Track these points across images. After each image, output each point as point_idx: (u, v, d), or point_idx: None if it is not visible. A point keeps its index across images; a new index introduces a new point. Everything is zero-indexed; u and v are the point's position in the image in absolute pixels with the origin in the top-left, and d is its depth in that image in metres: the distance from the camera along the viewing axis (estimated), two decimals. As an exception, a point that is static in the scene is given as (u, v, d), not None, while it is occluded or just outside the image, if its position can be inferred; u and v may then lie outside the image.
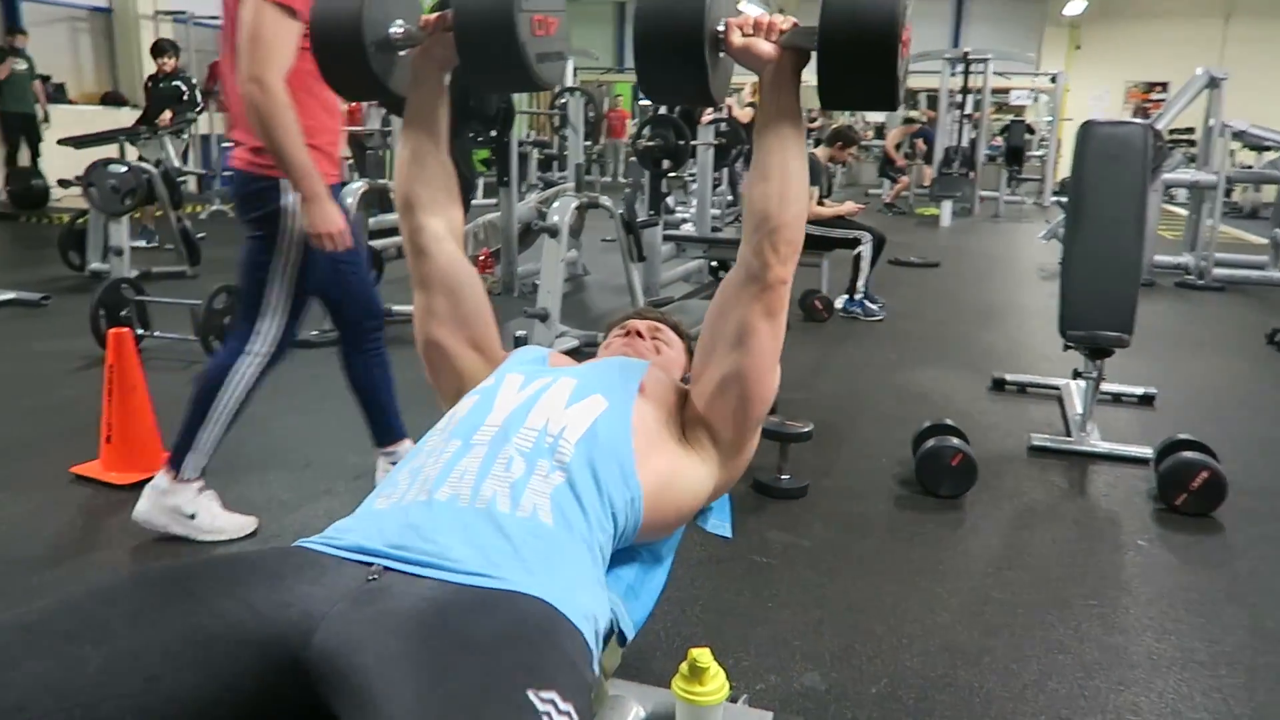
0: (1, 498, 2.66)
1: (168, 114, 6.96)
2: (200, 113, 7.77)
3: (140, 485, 2.72)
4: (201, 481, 2.45)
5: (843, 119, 15.77)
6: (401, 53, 1.44)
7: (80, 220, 6.13)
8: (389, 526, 1.14)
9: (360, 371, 2.64)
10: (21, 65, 9.07)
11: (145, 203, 5.65)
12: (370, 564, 1.07)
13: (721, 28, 1.28)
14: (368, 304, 2.64)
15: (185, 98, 7.30)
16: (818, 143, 11.56)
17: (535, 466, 1.20)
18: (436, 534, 1.10)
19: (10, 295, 5.19)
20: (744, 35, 1.27)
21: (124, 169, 5.44)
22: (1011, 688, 1.91)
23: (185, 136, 7.58)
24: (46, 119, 9.48)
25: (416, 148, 1.47)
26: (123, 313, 4.15)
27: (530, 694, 0.88)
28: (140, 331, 4.18)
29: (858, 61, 1.19)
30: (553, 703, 0.89)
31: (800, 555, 2.47)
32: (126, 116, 10.63)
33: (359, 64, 1.39)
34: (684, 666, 1.55)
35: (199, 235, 6.36)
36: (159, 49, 7.66)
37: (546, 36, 1.39)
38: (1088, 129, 3.29)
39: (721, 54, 1.30)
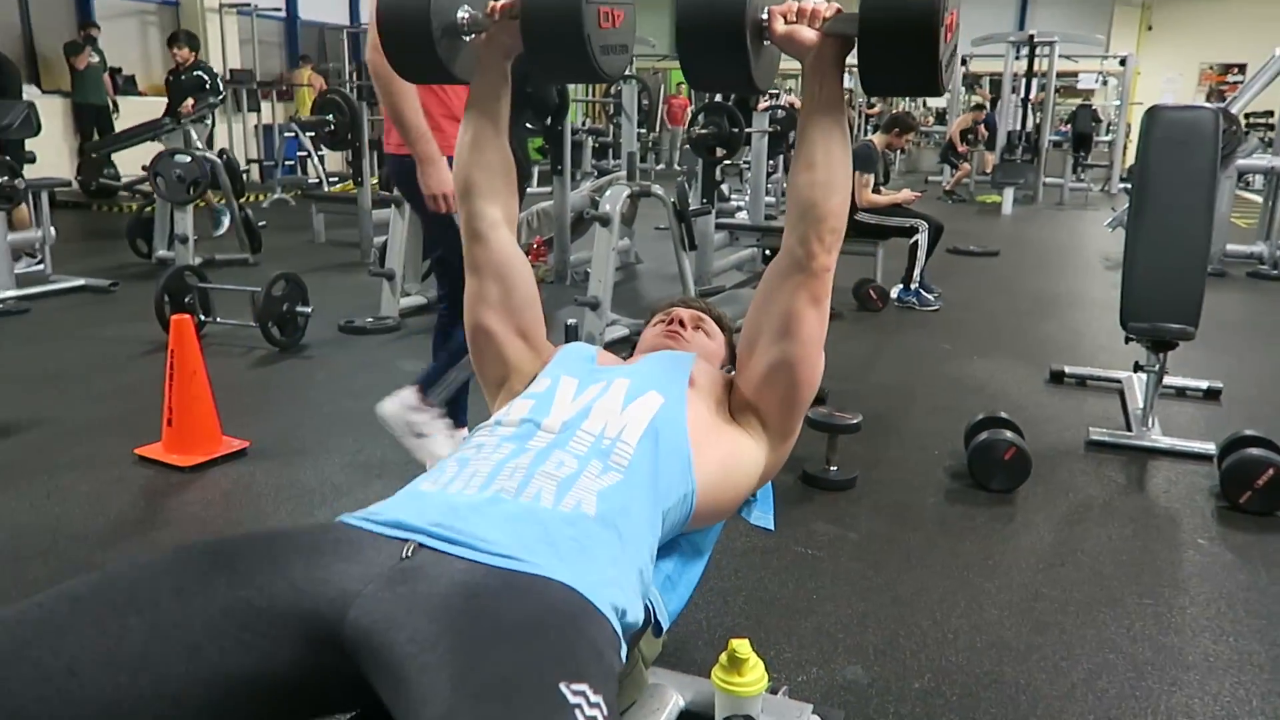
0: (70, 476, 2.76)
1: (189, 102, 6.93)
2: (222, 101, 7.69)
3: (198, 468, 2.81)
4: (441, 410, 2.62)
5: (902, 105, 15.53)
6: (467, 38, 1.45)
7: (147, 209, 6.32)
8: (429, 507, 1.16)
9: (460, 345, 2.73)
10: (95, 58, 9.34)
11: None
12: (406, 540, 1.09)
13: (764, 15, 1.27)
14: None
15: (208, 86, 7.27)
16: (875, 129, 11.41)
17: (587, 467, 1.21)
18: (474, 517, 1.12)
19: (81, 282, 5.37)
20: (787, 23, 1.27)
21: (188, 159, 5.59)
22: (1060, 686, 1.87)
23: (209, 123, 7.53)
24: (116, 109, 9.76)
25: (477, 134, 1.48)
26: (186, 299, 4.26)
27: (562, 686, 0.89)
28: (202, 318, 4.29)
29: (898, 47, 1.18)
30: (584, 695, 0.90)
31: (847, 547, 2.44)
32: (193, 107, 10.92)
33: (425, 48, 1.40)
34: (723, 657, 1.55)
35: (260, 224, 6.49)
36: (174, 40, 7.66)
37: (613, 29, 1.39)
38: (1154, 114, 3.19)
39: (766, 42, 1.29)
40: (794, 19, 1.27)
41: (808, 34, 1.26)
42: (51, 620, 0.93)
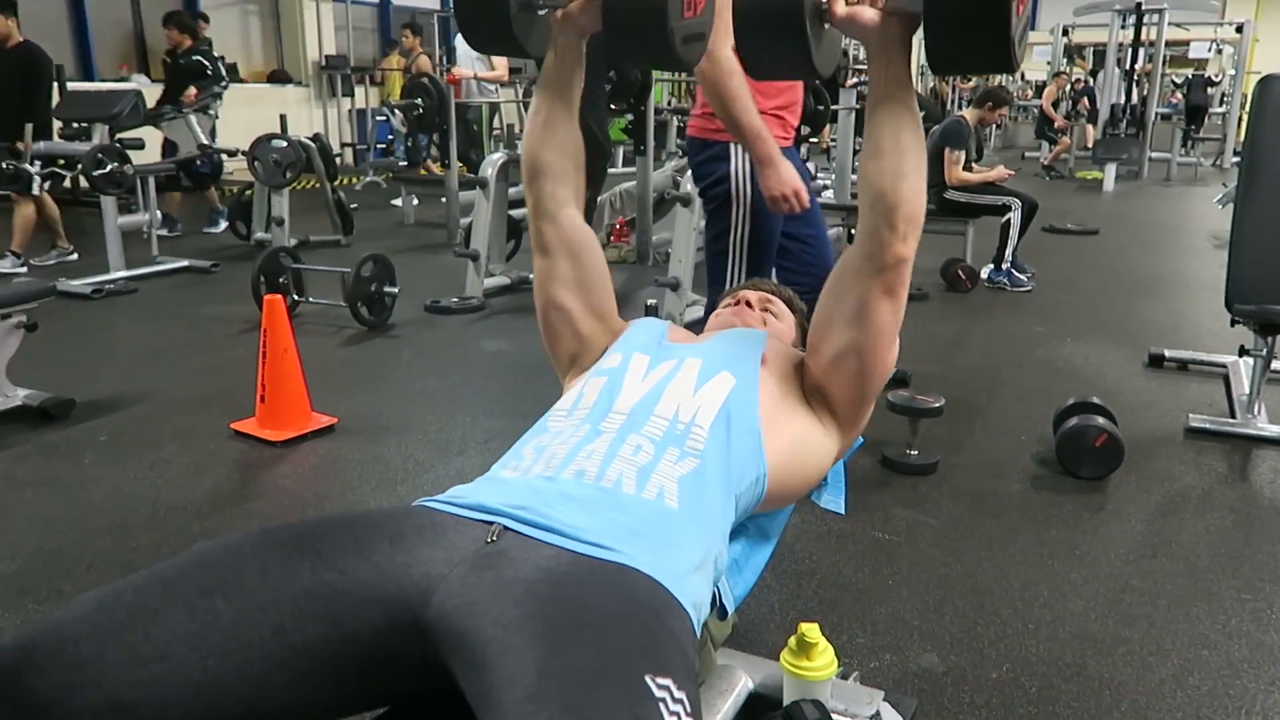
0: (171, 449, 2.89)
1: (192, 91, 6.65)
2: (227, 88, 7.20)
3: (289, 443, 2.92)
4: None
5: (997, 79, 15.00)
6: (542, 12, 1.43)
7: (247, 192, 6.54)
8: (513, 492, 1.17)
9: None
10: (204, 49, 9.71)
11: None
12: (490, 524, 1.10)
13: None
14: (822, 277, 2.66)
15: (210, 72, 6.84)
16: (968, 104, 11.06)
17: (664, 453, 1.21)
18: (560, 503, 1.13)
19: (184, 263, 5.60)
20: (848, 4, 1.23)
21: (284, 144, 5.77)
22: (1147, 682, 1.81)
23: (213, 113, 7.05)
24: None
25: (550, 113, 1.47)
26: (281, 280, 4.41)
27: (648, 679, 0.89)
28: (295, 298, 4.43)
29: (966, 24, 1.13)
30: (669, 690, 0.89)
31: (926, 533, 2.40)
32: (292, 94, 11.27)
33: (500, 19, 1.37)
34: (792, 641, 1.54)
35: (352, 206, 6.67)
36: (168, 21, 7.14)
37: (694, 17, 1.37)
38: (1267, 84, 3.02)
39: (826, 25, 1.25)
40: (855, 0, 1.24)
41: (870, 14, 1.22)
42: (144, 604, 0.96)
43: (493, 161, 5.01)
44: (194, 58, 6.98)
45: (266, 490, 2.68)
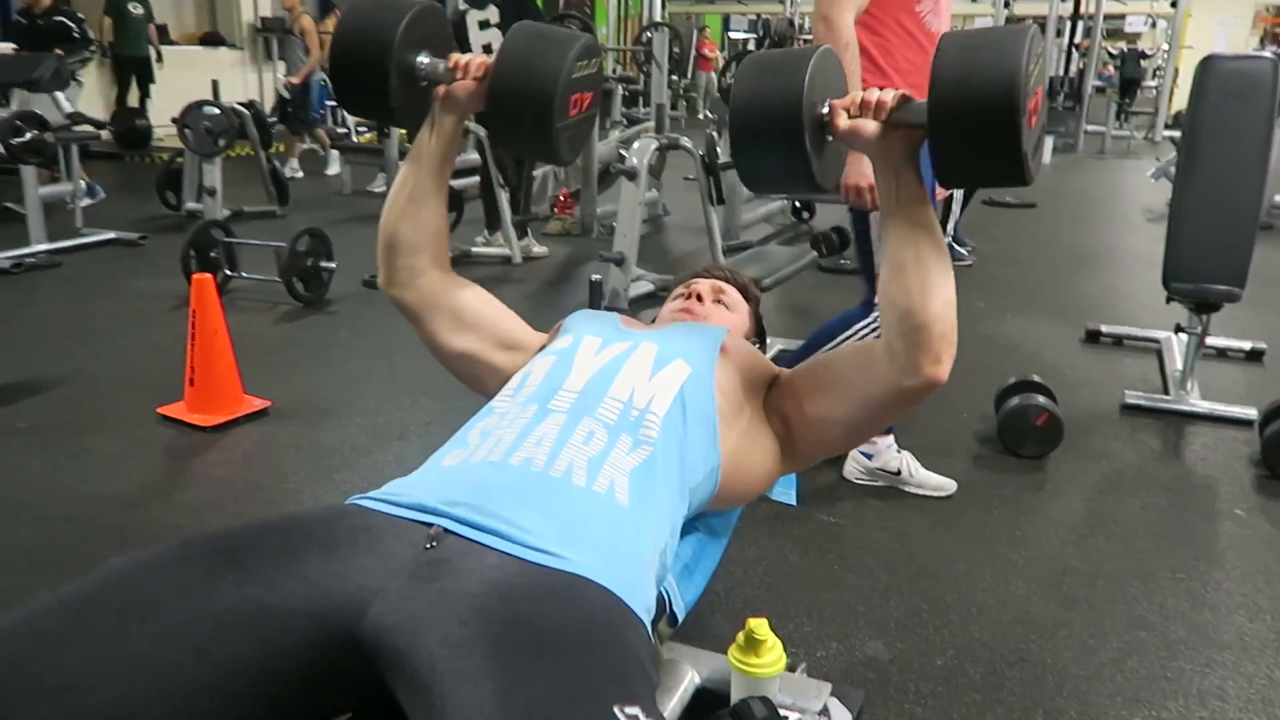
0: (96, 437, 2.77)
1: (57, 54, 5.87)
2: (94, 54, 6.73)
3: (220, 428, 2.82)
4: (890, 437, 2.49)
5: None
6: (424, 84, 1.36)
7: (177, 161, 6.30)
8: (455, 484, 1.11)
9: None
10: (138, 9, 9.33)
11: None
12: (429, 525, 1.04)
13: (825, 110, 1.17)
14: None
15: (76, 35, 6.29)
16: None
17: (617, 441, 1.17)
18: (506, 498, 1.07)
19: (111, 235, 5.38)
20: (850, 117, 1.17)
21: (216, 110, 5.56)
22: (1088, 666, 1.83)
23: (80, 81, 6.49)
24: (160, 59, 9.74)
25: (417, 188, 1.40)
26: (212, 254, 4.25)
27: (616, 710, 0.85)
28: (227, 273, 4.28)
29: (974, 138, 1.07)
30: (637, 718, 0.85)
31: (871, 516, 2.40)
32: (226, 56, 10.88)
33: (379, 91, 1.32)
34: (740, 636, 1.51)
35: (289, 175, 6.46)
36: None
37: (579, 114, 1.33)
38: (1208, 64, 3.04)
39: (829, 138, 1.19)
40: (857, 112, 1.17)
41: (873, 128, 1.16)
42: (49, 632, 0.89)
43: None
44: (55, 19, 6.46)
45: (197, 479, 2.59)
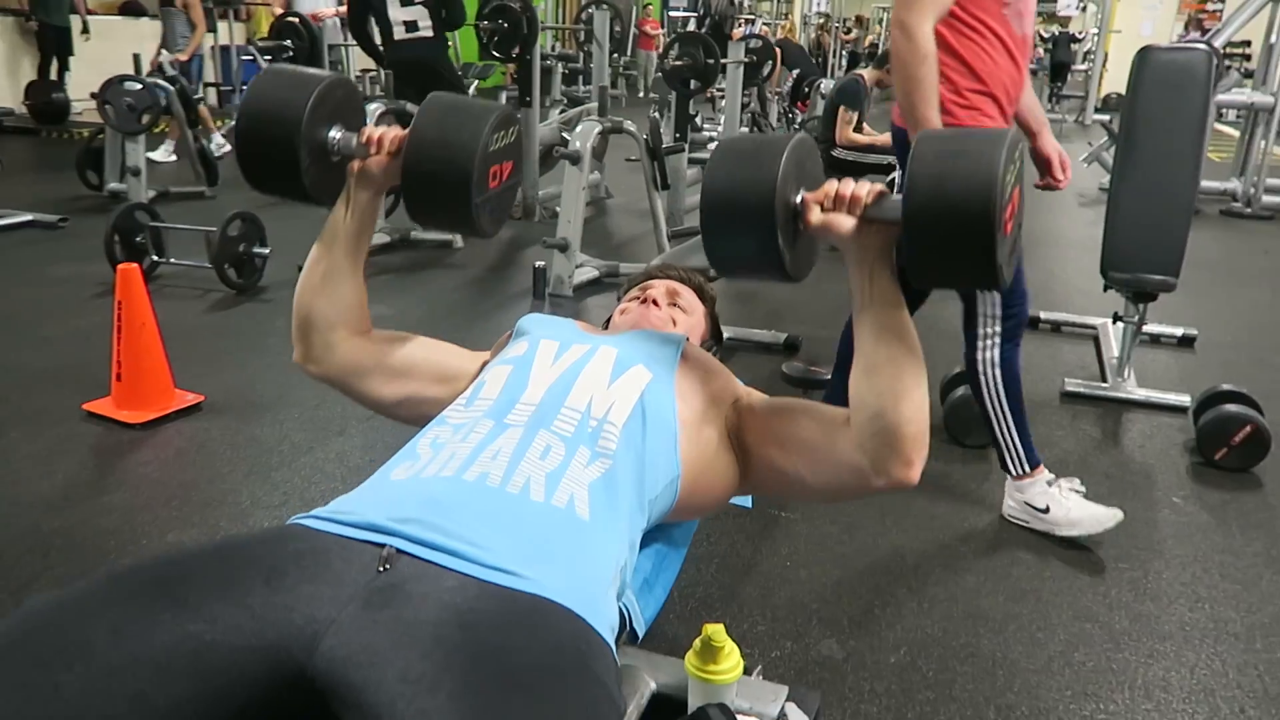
0: (15, 435, 2.64)
1: None
2: None
3: (150, 425, 2.70)
4: (1045, 473, 2.32)
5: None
6: (335, 159, 1.30)
7: (99, 138, 6.03)
8: (406, 500, 1.06)
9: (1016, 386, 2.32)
10: None
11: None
12: (380, 545, 0.99)
13: (799, 201, 1.14)
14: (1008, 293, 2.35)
15: None
16: (851, 54, 11.10)
17: (575, 454, 1.13)
18: (461, 514, 1.02)
19: (29, 217, 5.14)
20: (823, 210, 1.14)
21: (139, 86, 5.33)
22: (1037, 659, 1.85)
23: None
24: (86, 30, 9.31)
25: (332, 266, 1.34)
26: (138, 239, 4.08)
27: None
28: (155, 259, 4.11)
29: (948, 240, 1.05)
30: None
31: (821, 509, 2.39)
32: (148, 27, 10.44)
33: (289, 169, 1.26)
34: (697, 643, 1.49)
35: (216, 155, 6.24)
36: None
37: (499, 185, 1.28)
38: (1145, 55, 3.07)
39: (802, 228, 1.15)
40: (830, 205, 1.14)
41: (847, 223, 1.13)
42: None
43: (370, 113, 4.74)
44: None
45: (126, 479, 2.47)
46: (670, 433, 1.21)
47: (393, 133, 1.28)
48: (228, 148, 7.54)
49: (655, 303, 1.51)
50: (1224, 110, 9.40)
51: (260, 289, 4.07)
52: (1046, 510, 2.29)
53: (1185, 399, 3.09)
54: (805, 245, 1.20)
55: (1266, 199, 6.72)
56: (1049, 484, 2.31)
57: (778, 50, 10.22)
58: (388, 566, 0.96)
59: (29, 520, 2.20)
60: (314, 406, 2.90)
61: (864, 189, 1.13)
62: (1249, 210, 6.72)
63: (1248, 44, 13.01)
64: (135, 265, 2.77)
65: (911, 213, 1.06)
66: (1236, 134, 7.98)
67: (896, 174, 5.25)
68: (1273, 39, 6.74)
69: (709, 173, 1.17)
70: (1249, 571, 2.19)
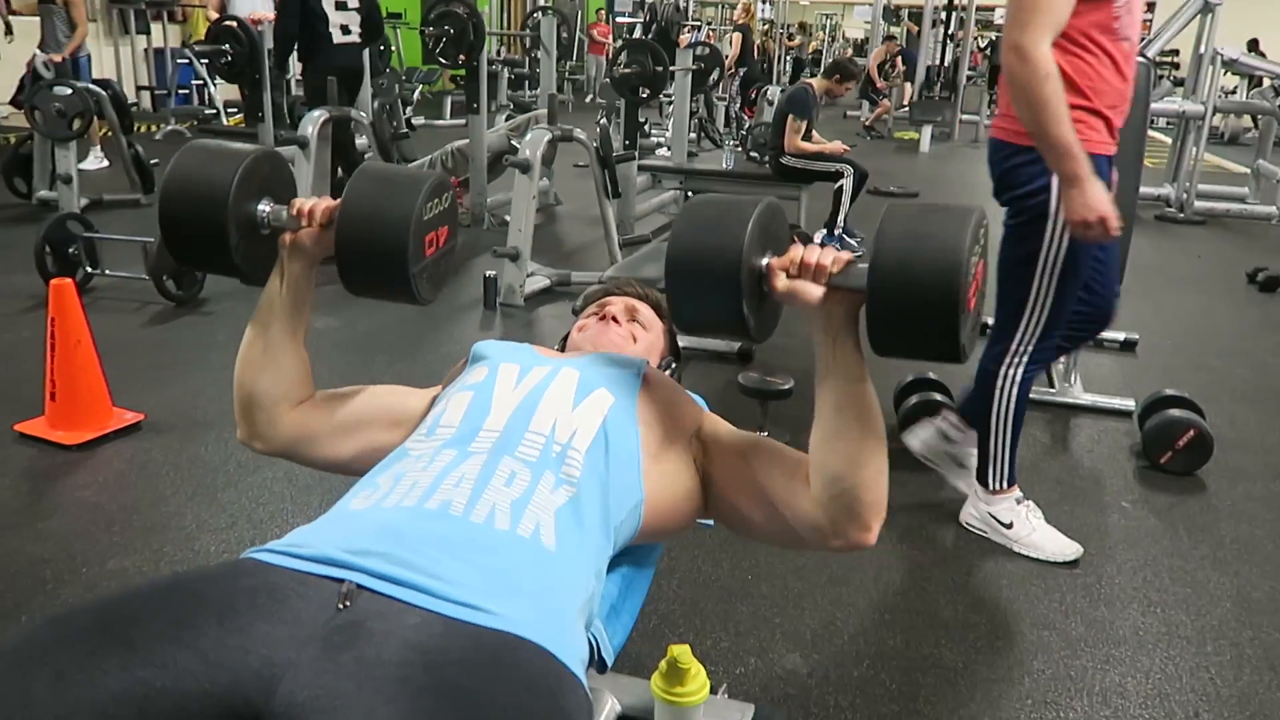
0: (-59, 458, 2.52)
1: None
2: None
3: (87, 446, 2.60)
4: (1017, 492, 2.32)
5: (842, 48, 15.39)
6: (265, 232, 1.27)
7: (27, 143, 5.83)
8: (364, 531, 1.01)
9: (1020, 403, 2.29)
10: None
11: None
12: (339, 580, 0.94)
13: (764, 265, 1.13)
14: (1104, 303, 2.36)
15: None
16: (796, 61, 11.18)
17: (540, 479, 1.09)
18: (423, 546, 0.98)
19: (-48, 226, 4.94)
20: (789, 277, 1.13)
21: (68, 91, 5.15)
22: (997, 668, 1.86)
23: None
24: (9, 32, 8.99)
25: (271, 341, 1.29)
26: (70, 250, 3.93)
27: None
28: (89, 270, 3.97)
29: (910, 314, 1.05)
30: None
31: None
32: (75, 28, 10.13)
33: (218, 245, 1.21)
34: (663, 665, 1.47)
35: (152, 161, 6.06)
36: None
37: (436, 250, 1.25)
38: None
39: (767, 291, 1.14)
40: (796, 273, 1.13)
41: (813, 291, 1.11)
42: None
43: (313, 119, 4.65)
44: None
45: (63, 504, 2.37)
46: (634, 458, 1.18)
47: (324, 204, 1.24)
48: (106, 164, 7.16)
49: (614, 319, 1.48)
50: (1155, 118, 9.69)
51: (200, 301, 3.95)
52: (1010, 526, 2.30)
53: (1130, 403, 3.15)
54: (770, 308, 1.20)
55: (1199, 204, 6.92)
56: (1018, 502, 2.33)
57: (738, 37, 10.27)
58: (348, 604, 0.92)
59: (-42, 549, 2.10)
60: (260, 423, 2.81)
61: (829, 257, 1.12)
62: (1182, 215, 6.90)
63: (1176, 53, 13.40)
64: (69, 280, 2.66)
65: (875, 293, 1.06)
66: (1169, 140, 8.20)
67: (845, 180, 5.31)
68: (1202, 49, 6.94)
69: (674, 235, 1.16)
70: (1197, 574, 2.23)
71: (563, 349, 1.49)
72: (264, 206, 1.25)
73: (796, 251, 1.13)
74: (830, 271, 1.12)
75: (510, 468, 1.10)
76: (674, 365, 1.56)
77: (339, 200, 1.21)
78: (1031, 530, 2.29)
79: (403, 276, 1.18)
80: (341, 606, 0.92)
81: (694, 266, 1.13)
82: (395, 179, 1.25)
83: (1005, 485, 2.32)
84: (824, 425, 1.16)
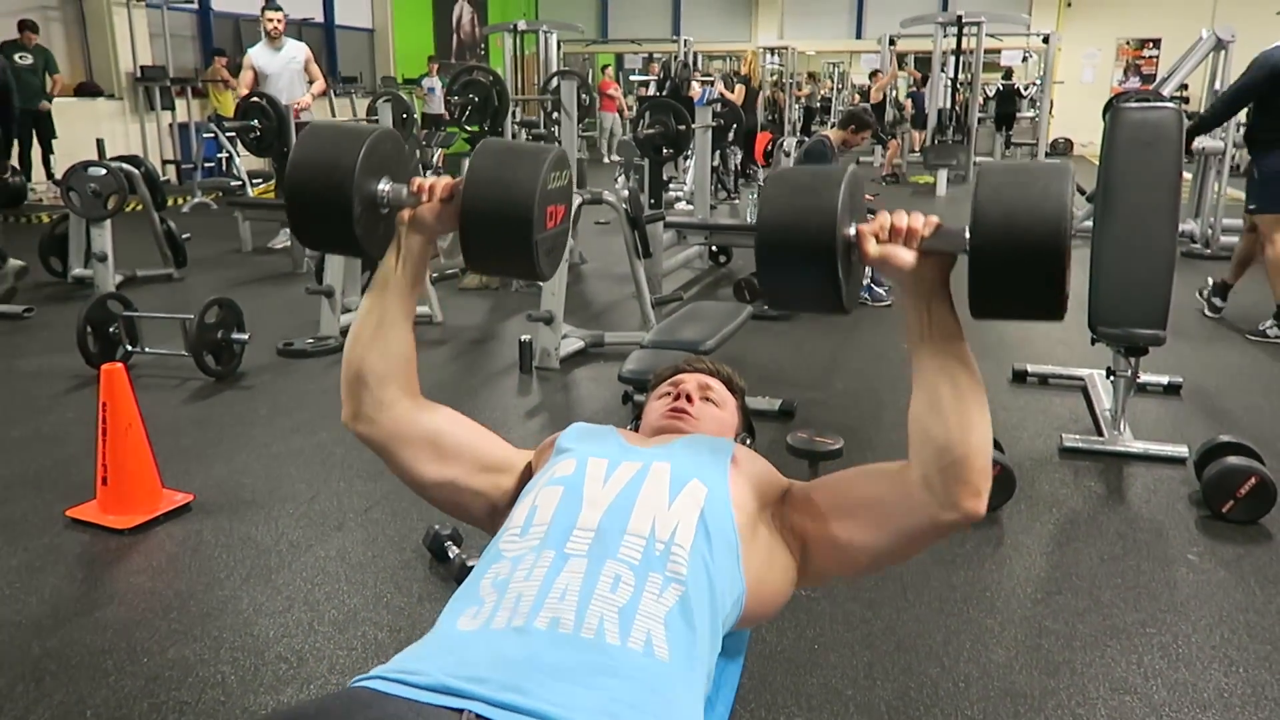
0: (-5, 546, 2.52)
1: None
2: None
3: (139, 529, 2.60)
4: None
5: (849, 95, 15.55)
6: (385, 211, 1.29)
7: (62, 224, 5.93)
8: (477, 657, 1.00)
9: None
10: (27, 59, 8.92)
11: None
12: (459, 711, 0.92)
13: (852, 232, 1.13)
14: None
15: None
16: (805, 109, 11.28)
17: (646, 583, 1.07)
18: (538, 673, 0.97)
19: (-9, 308, 5.01)
20: (879, 242, 1.12)
21: (103, 171, 5.25)
22: (1081, 738, 1.81)
23: None
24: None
25: (384, 317, 1.31)
26: (111, 329, 3.98)
27: None
28: (128, 348, 4.01)
29: (1017, 271, 1.04)
30: None
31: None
32: (104, 107, 10.39)
33: (341, 221, 1.23)
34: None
35: (184, 235, 6.15)
36: None
37: (555, 227, 1.28)
38: (1119, 115, 3.14)
39: (855, 259, 1.14)
40: (887, 238, 1.13)
41: (905, 255, 1.11)
42: None
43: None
44: None
45: (119, 591, 2.36)
46: (733, 546, 1.16)
47: (444, 180, 1.27)
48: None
49: (689, 397, 1.47)
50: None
51: (239, 375, 3.98)
52: None
53: (1183, 450, 3.10)
54: (856, 277, 1.20)
55: (1225, 239, 6.88)
56: None
57: (740, 89, 10.39)
58: None
59: (17, 643, 2.09)
60: (308, 500, 2.81)
61: (919, 220, 1.12)
62: (1208, 251, 6.87)
63: (1185, 88, 13.48)
64: (120, 365, 2.67)
65: (979, 242, 1.05)
66: (1189, 176, 8.20)
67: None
68: (1217, 85, 6.96)
69: (764, 205, 1.15)
70: (1275, 629, 2.17)
71: (636, 427, 1.48)
72: (384, 185, 1.27)
73: (885, 217, 1.13)
74: (922, 235, 1.11)
75: (614, 571, 1.08)
76: (748, 440, 1.54)
77: (459, 177, 1.24)
78: None
79: (526, 245, 1.20)
80: None
81: (787, 235, 1.11)
82: (519, 150, 1.28)
83: None
84: (925, 393, 1.15)
